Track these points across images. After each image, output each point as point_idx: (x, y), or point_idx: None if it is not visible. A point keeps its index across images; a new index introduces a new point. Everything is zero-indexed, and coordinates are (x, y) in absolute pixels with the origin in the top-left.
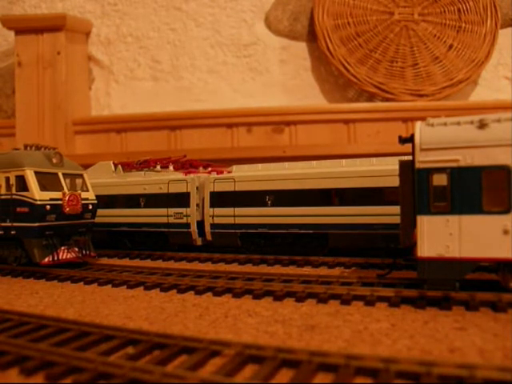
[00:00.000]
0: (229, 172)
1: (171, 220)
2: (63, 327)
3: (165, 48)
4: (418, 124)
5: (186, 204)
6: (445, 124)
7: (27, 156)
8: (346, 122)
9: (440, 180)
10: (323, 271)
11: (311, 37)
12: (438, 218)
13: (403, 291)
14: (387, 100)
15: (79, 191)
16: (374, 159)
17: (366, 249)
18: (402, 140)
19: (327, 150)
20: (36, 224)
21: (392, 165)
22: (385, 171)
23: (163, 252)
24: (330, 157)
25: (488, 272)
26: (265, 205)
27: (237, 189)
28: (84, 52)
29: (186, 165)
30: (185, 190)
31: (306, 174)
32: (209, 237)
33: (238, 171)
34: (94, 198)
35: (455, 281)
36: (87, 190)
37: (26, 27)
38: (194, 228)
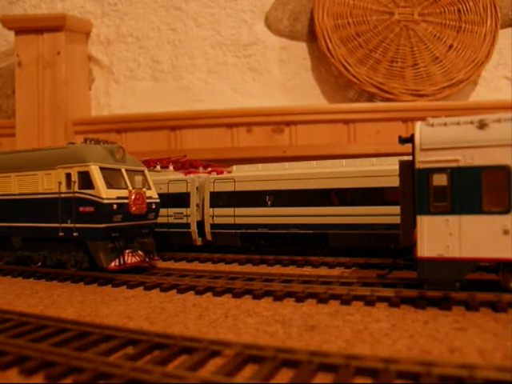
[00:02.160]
0: (229, 172)
1: (171, 220)
2: (63, 327)
3: (165, 48)
4: (418, 124)
5: (186, 204)
6: (445, 124)
7: (90, 150)
8: (346, 122)
9: (440, 180)
10: (323, 271)
11: (311, 37)
12: (438, 218)
13: (403, 291)
14: (387, 100)
15: (144, 189)
16: (373, 159)
17: (366, 249)
18: (402, 140)
19: (327, 150)
20: (103, 225)
21: (392, 165)
22: (385, 171)
23: (163, 252)
24: (330, 157)
25: (488, 272)
26: (265, 205)
27: (237, 189)
28: (84, 52)
29: (185, 165)
30: (185, 190)
31: (306, 174)
32: (209, 237)
33: (238, 171)
34: (157, 196)
35: (455, 281)
36: (149, 188)
37: (26, 27)
38: (194, 228)
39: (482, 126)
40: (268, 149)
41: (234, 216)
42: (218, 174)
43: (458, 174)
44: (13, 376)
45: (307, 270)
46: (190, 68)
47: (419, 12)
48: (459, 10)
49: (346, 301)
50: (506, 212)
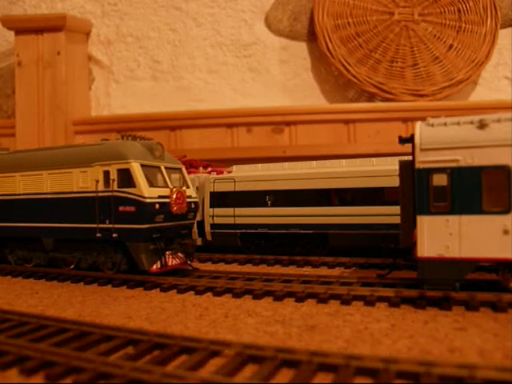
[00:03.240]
0: (229, 172)
1: None
2: (63, 327)
3: (165, 48)
4: (418, 124)
5: None
6: (445, 124)
7: (130, 147)
8: (346, 122)
9: (440, 180)
10: (323, 271)
11: (311, 37)
12: (438, 218)
13: (403, 291)
14: (387, 100)
15: (184, 188)
16: (373, 159)
17: (366, 249)
18: (402, 140)
19: (327, 149)
20: (145, 225)
21: (392, 165)
22: (385, 171)
23: None
24: (330, 157)
25: (488, 272)
26: (265, 205)
27: (237, 189)
28: (84, 52)
29: (185, 165)
30: None
31: (306, 174)
32: (209, 237)
33: (238, 171)
34: (196, 195)
35: (455, 281)
36: (188, 187)
37: (26, 27)
38: (194, 228)
39: (482, 126)
40: (268, 149)
41: (234, 216)
42: (217, 173)
43: (457, 174)
44: (13, 376)
45: (307, 270)
46: (189, 68)
47: (419, 12)
48: (459, 10)
49: (345, 301)
50: (506, 212)
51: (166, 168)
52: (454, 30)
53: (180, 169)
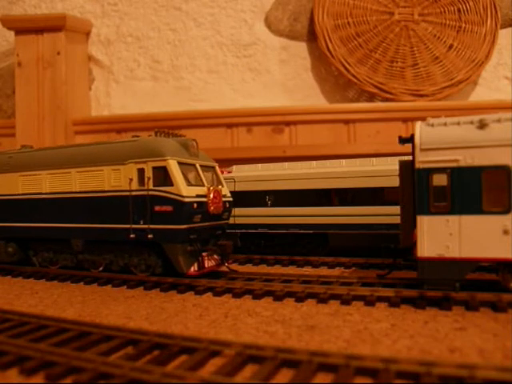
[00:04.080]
0: (229, 172)
1: None
2: (63, 327)
3: (165, 48)
4: (418, 124)
5: None
6: (445, 124)
7: (166, 143)
8: (346, 122)
9: (440, 180)
10: (323, 271)
11: (311, 37)
12: (438, 218)
13: (403, 291)
14: (387, 100)
15: (220, 187)
16: (373, 159)
17: (366, 249)
18: (402, 140)
19: (327, 149)
20: (183, 226)
21: (392, 165)
22: (385, 171)
23: None
24: (330, 157)
25: (488, 272)
26: (265, 205)
27: (237, 189)
28: (84, 52)
29: None
30: None
31: (306, 174)
32: None
33: (238, 171)
34: (230, 195)
35: (455, 281)
36: (222, 186)
37: (26, 27)
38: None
39: (482, 126)
40: (268, 149)
41: (234, 216)
42: None
43: (457, 174)
44: (13, 376)
45: (307, 270)
46: (189, 68)
47: (419, 12)
48: (459, 10)
49: (345, 301)
50: (506, 212)
51: (201, 166)
52: (454, 29)
53: (213, 167)
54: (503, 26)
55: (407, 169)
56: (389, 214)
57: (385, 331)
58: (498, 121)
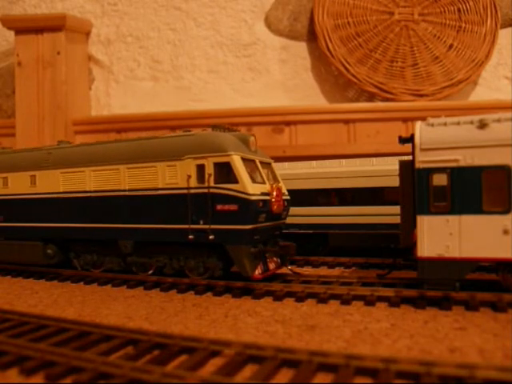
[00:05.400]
0: None
1: None
2: (63, 327)
3: (165, 48)
4: (418, 124)
5: None
6: (445, 124)
7: (228, 138)
8: (346, 122)
9: (440, 180)
10: (323, 271)
11: (311, 37)
12: (438, 217)
13: (403, 291)
14: (387, 100)
15: (280, 184)
16: (373, 159)
17: (366, 249)
18: (402, 140)
19: (327, 149)
20: (249, 226)
21: (392, 165)
22: (385, 171)
23: None
24: (330, 157)
25: (488, 272)
26: None
27: None
28: (84, 52)
29: None
30: None
31: (306, 173)
32: None
33: None
34: (288, 193)
35: (455, 281)
36: (279, 183)
37: (26, 27)
38: None
39: (482, 125)
40: (268, 149)
41: None
42: None
43: (457, 173)
44: (13, 376)
45: (307, 270)
46: (189, 68)
47: (419, 12)
48: (459, 10)
49: (345, 301)
50: (506, 212)
51: (260, 162)
52: (454, 29)
53: (270, 163)
54: (503, 26)
55: (407, 169)
56: (389, 213)
57: (385, 331)
58: (498, 121)
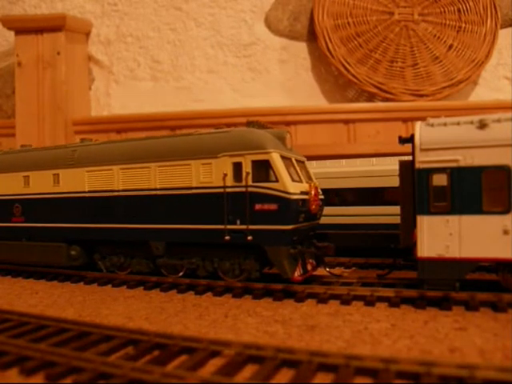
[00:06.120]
0: None
1: None
2: (63, 327)
3: (165, 48)
4: (418, 124)
5: None
6: (445, 124)
7: (265, 135)
8: (346, 122)
9: (440, 180)
10: (323, 271)
11: (311, 37)
12: (438, 218)
13: (403, 291)
14: (387, 100)
15: (316, 183)
16: (373, 159)
17: (366, 249)
18: (402, 140)
19: (327, 149)
20: (289, 226)
21: (392, 165)
22: (385, 171)
23: None
24: (330, 157)
25: (488, 272)
26: None
27: None
28: (84, 52)
29: None
30: None
31: None
32: None
33: None
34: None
35: (455, 281)
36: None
37: (26, 27)
38: None
39: (482, 125)
40: None
41: None
42: None
43: (457, 174)
44: (13, 376)
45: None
46: (189, 68)
47: (419, 12)
48: (459, 10)
49: (345, 301)
50: (506, 212)
51: (296, 160)
52: (454, 29)
53: (303, 162)
54: (503, 26)
55: (407, 169)
56: (389, 213)
57: (385, 331)
58: (498, 121)
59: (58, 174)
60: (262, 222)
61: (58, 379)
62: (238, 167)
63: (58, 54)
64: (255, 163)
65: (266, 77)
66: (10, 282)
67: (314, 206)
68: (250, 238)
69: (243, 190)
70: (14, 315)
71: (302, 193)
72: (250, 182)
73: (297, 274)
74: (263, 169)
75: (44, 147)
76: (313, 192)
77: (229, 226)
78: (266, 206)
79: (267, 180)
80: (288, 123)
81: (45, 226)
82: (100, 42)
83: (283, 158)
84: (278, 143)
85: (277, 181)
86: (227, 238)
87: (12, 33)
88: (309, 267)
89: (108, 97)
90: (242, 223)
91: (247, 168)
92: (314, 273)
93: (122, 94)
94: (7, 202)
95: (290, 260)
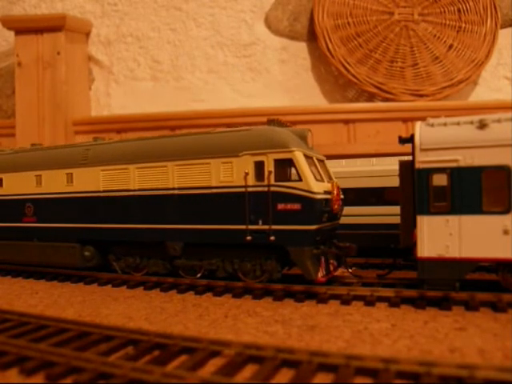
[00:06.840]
0: None
1: None
2: (63, 327)
3: (165, 48)
4: (418, 124)
5: None
6: (445, 124)
7: (288, 133)
8: (346, 122)
9: (440, 180)
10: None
11: (311, 37)
12: (438, 218)
13: (403, 291)
14: (387, 100)
15: (337, 182)
16: (373, 159)
17: (366, 249)
18: (402, 140)
19: (327, 149)
20: (313, 227)
21: (392, 165)
22: (385, 171)
23: None
24: (330, 157)
25: (488, 272)
26: None
27: None
28: (84, 52)
29: None
30: None
31: None
32: None
33: None
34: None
35: (455, 281)
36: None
37: (26, 27)
38: None
39: (482, 126)
40: None
41: None
42: None
43: (457, 174)
44: (13, 376)
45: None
46: (189, 68)
47: (419, 12)
48: (459, 10)
49: (345, 301)
50: (506, 212)
51: (317, 159)
52: (454, 29)
53: (323, 161)
54: (503, 26)
55: (407, 169)
56: (389, 213)
57: (385, 331)
58: (498, 121)
59: (71, 174)
60: (284, 222)
61: (58, 379)
62: (260, 166)
63: (58, 54)
64: (278, 162)
65: (266, 77)
66: (10, 282)
67: (336, 206)
68: (272, 238)
69: (265, 189)
70: (13, 315)
71: (326, 192)
72: (272, 182)
73: (320, 274)
74: (286, 168)
75: (56, 146)
76: (335, 192)
77: (250, 227)
78: (290, 206)
79: (290, 179)
80: (288, 123)
81: (58, 226)
82: (100, 42)
83: (306, 156)
84: (300, 142)
85: (300, 180)
86: (249, 238)
87: (12, 33)
88: (330, 268)
89: (108, 97)
90: (264, 223)
91: (270, 167)
92: (337, 273)
93: (122, 94)
94: (18, 201)
95: (313, 261)
